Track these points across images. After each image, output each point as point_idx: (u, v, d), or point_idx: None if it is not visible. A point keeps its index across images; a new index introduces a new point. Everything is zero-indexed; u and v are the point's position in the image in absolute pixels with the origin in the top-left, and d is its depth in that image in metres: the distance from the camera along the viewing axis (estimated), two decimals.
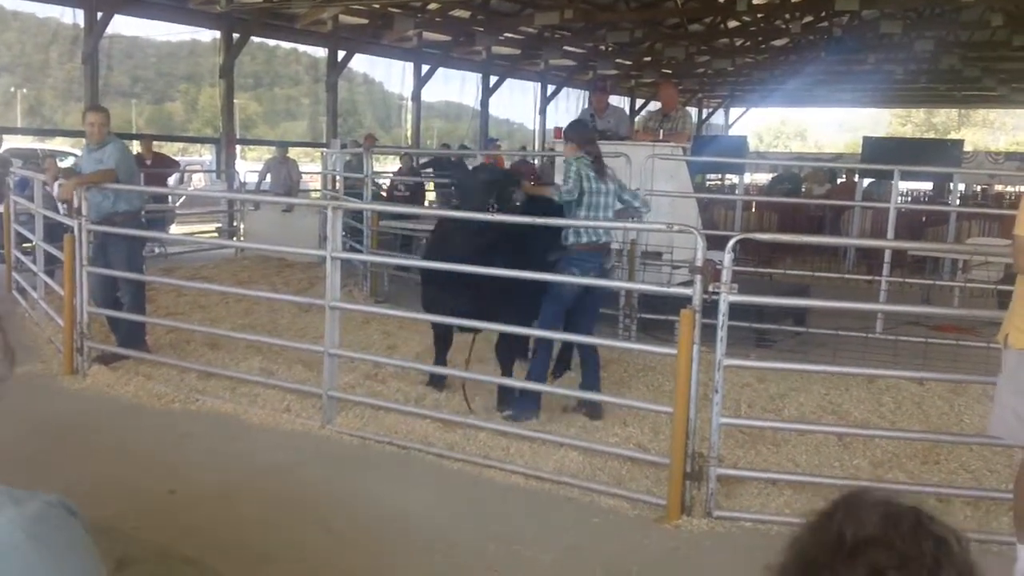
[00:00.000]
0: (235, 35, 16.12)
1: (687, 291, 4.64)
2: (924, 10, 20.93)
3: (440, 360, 6.81)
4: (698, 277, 4.59)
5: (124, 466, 5.11)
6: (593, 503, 4.85)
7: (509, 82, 24.54)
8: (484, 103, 23.87)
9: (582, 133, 6.65)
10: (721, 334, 4.60)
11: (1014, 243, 3.71)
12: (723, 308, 4.57)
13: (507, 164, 16.92)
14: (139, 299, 7.23)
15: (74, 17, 14.00)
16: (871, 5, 18.12)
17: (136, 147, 14.15)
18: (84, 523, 1.19)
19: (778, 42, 24.11)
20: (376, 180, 13.96)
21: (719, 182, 21.84)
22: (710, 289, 4.58)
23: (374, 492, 4.89)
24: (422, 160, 16.64)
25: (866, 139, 17.51)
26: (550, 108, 26.37)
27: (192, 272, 11.58)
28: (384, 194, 13.63)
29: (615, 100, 27.16)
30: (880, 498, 1.34)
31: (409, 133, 21.96)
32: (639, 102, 29.71)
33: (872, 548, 1.27)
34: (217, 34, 16.18)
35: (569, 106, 26.23)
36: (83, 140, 7.77)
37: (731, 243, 4.55)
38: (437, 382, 6.74)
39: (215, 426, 5.85)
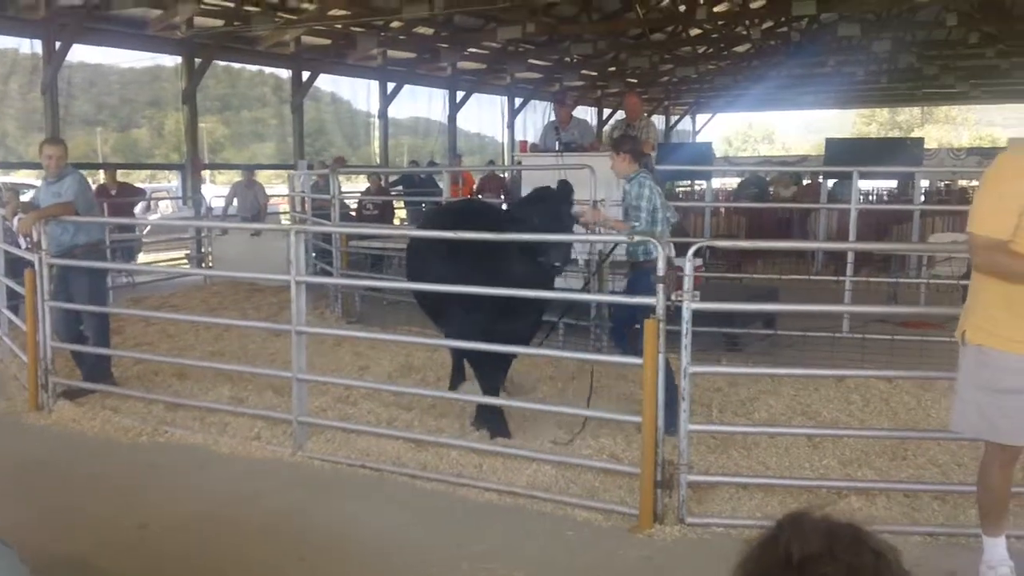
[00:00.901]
0: (197, 60, 16.08)
1: (651, 300, 4.66)
2: (881, 12, 21.20)
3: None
4: (661, 286, 4.61)
5: (93, 501, 5.07)
6: (567, 516, 4.85)
7: (476, 96, 24.62)
8: (452, 118, 23.93)
9: (636, 144, 6.60)
10: (685, 342, 4.63)
11: (968, 240, 3.75)
12: (686, 316, 4.60)
13: (476, 178, 17.02)
14: (103, 331, 7.16)
15: (32, 47, 13.93)
16: (829, 9, 18.33)
17: (101, 177, 14.09)
18: (16, 555, 1.20)
19: (740, 48, 24.35)
20: (345, 200, 13.96)
21: (689, 188, 21.98)
22: (673, 297, 4.61)
23: (347, 516, 4.87)
24: (392, 178, 16.64)
25: (829, 140, 17.70)
26: (518, 121, 26.48)
27: (161, 301, 11.50)
28: (353, 214, 13.59)
29: (582, 111, 27.49)
30: (820, 517, 1.42)
31: (377, 151, 21.95)
32: (606, 112, 29.88)
33: (819, 563, 1.34)
34: (180, 59, 16.13)
35: (536, 118, 26.34)
36: None
37: (691, 251, 4.58)
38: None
39: (184, 457, 5.80)
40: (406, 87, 22.02)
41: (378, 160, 21.59)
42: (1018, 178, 3.65)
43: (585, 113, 28.15)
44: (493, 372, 6.23)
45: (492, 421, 6.07)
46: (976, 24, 20.19)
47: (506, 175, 17.51)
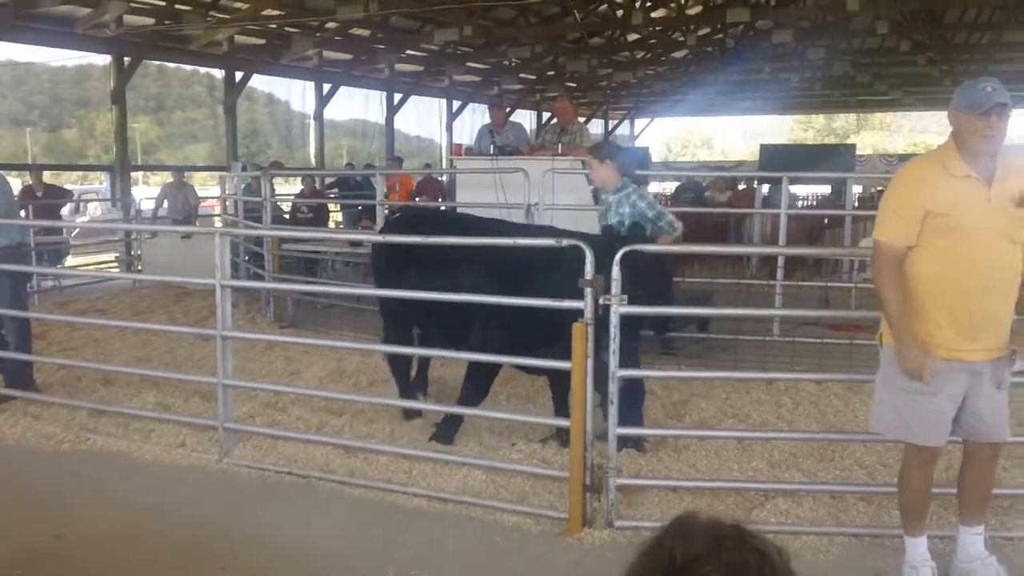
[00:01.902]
0: (127, 59, 15.74)
1: (579, 304, 4.64)
2: (816, 19, 21.60)
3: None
4: (588, 290, 4.61)
5: (9, 511, 4.92)
6: (496, 521, 4.81)
7: (415, 99, 24.52)
8: (389, 121, 23.80)
9: (626, 155, 6.39)
10: (613, 346, 4.62)
11: (873, 247, 3.81)
12: (614, 320, 4.60)
13: (414, 182, 16.91)
14: (24, 336, 6.95)
15: None
16: (763, 16, 18.61)
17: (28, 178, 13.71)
18: None
19: (677, 54, 24.63)
20: (279, 203, 13.76)
21: None
22: (600, 302, 4.61)
23: (273, 525, 4.77)
24: (328, 181, 16.45)
25: (763, 146, 17.97)
26: (457, 124, 26.43)
27: (87, 305, 11.21)
28: (287, 216, 13.40)
29: (521, 115, 27.52)
30: (705, 520, 1.42)
31: (313, 153, 21.72)
32: (545, 115, 29.99)
33: (702, 563, 1.35)
34: (109, 58, 15.76)
35: (475, 121, 26.30)
36: None
37: (618, 256, 4.58)
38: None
39: (106, 465, 5.64)
40: (344, 88, 21.83)
41: (314, 162, 21.37)
42: (918, 184, 3.75)
43: (524, 117, 28.22)
44: (488, 383, 6.15)
45: (454, 429, 6.00)
46: (907, 32, 20.67)
47: (444, 179, 17.43)
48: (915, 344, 3.71)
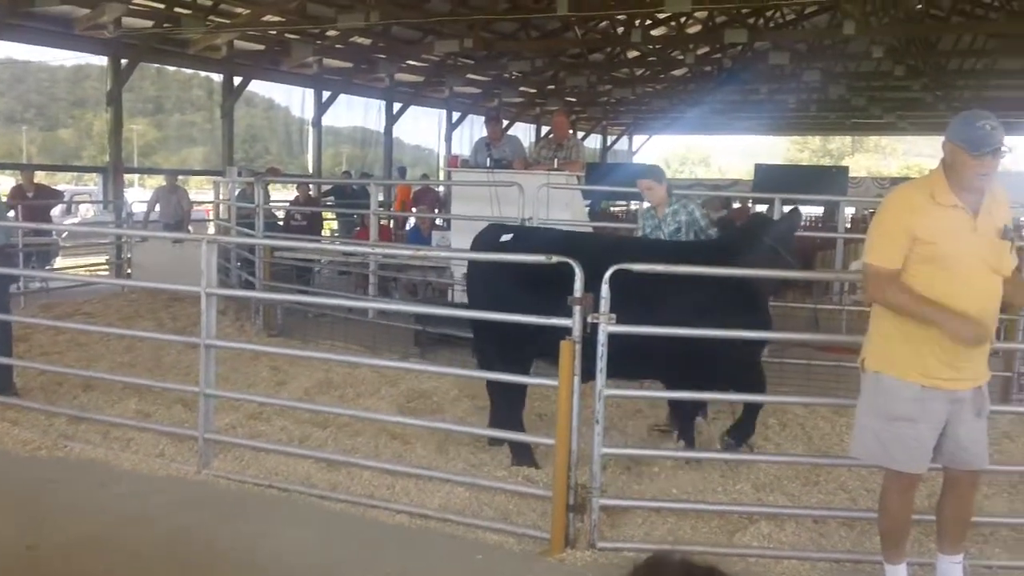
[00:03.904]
0: (123, 60, 15.69)
1: (567, 322, 4.60)
2: (812, 42, 21.69)
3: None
4: (577, 308, 4.57)
5: None
6: (478, 540, 4.75)
7: (415, 109, 24.53)
8: (388, 130, 23.78)
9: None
10: (601, 364, 4.59)
11: (864, 270, 3.81)
12: (602, 339, 4.56)
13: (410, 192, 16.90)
14: (5, 340, 6.86)
15: None
16: (761, 37, 18.68)
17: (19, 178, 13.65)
18: None
19: (676, 72, 24.69)
20: (274, 210, 13.71)
21: (625, 209, 22.12)
22: (589, 320, 4.57)
23: (250, 538, 4.69)
24: (324, 188, 16.42)
25: (758, 166, 18.00)
26: (456, 135, 26.45)
27: (74, 308, 11.12)
28: (281, 224, 13.35)
29: (521, 127, 27.57)
30: (679, 560, 1.36)
31: (311, 160, 21.69)
32: (544, 128, 30.03)
33: None
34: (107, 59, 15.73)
35: (475, 133, 26.32)
36: None
37: (608, 274, 4.54)
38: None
39: (83, 473, 5.55)
40: (344, 96, 21.82)
41: (311, 169, 21.33)
42: (906, 211, 3.74)
43: (524, 130, 28.26)
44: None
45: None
46: (902, 58, 20.77)
47: (441, 189, 17.40)
48: (955, 315, 3.64)
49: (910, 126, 32.61)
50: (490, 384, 6.13)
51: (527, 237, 6.24)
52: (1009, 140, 3.69)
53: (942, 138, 3.79)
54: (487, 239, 6.17)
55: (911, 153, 55.34)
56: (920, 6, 19.09)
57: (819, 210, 20.38)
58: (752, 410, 6.04)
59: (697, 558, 1.38)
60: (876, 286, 3.78)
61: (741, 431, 6.02)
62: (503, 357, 5.70)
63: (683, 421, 6.14)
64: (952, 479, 3.99)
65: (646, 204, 7.07)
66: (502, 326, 5.36)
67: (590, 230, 9.65)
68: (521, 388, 5.82)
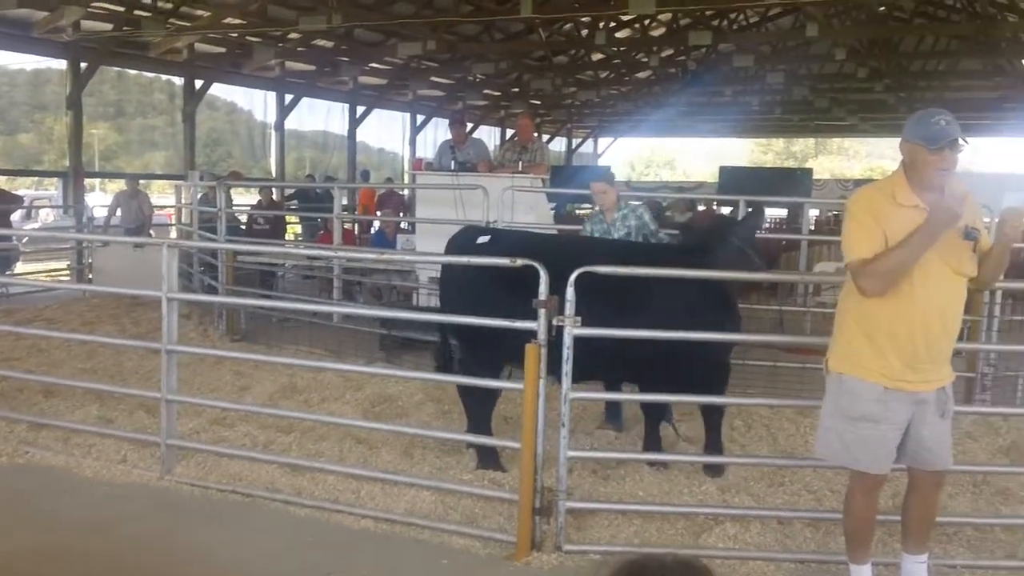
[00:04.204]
0: (83, 64, 15.49)
1: (532, 325, 4.59)
2: (776, 44, 21.90)
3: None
4: (542, 311, 4.56)
5: None
6: (444, 544, 4.73)
7: (378, 112, 24.43)
8: (352, 134, 23.67)
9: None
10: (566, 368, 4.58)
11: (848, 270, 3.81)
12: (567, 341, 4.56)
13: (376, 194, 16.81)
14: None
15: None
16: (725, 40, 18.82)
17: None
18: None
19: (641, 74, 24.79)
20: (236, 214, 13.58)
21: (589, 211, 22.11)
22: (554, 323, 4.56)
23: (214, 545, 4.64)
24: (288, 192, 16.30)
25: (722, 169, 18.13)
26: (420, 138, 26.38)
27: (35, 314, 10.96)
28: (244, 228, 13.23)
29: (485, 130, 27.55)
30: (671, 560, 1.34)
31: (274, 164, 21.53)
32: (509, 131, 30.05)
33: None
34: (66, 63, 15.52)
35: (439, 136, 26.27)
36: None
37: (573, 276, 4.54)
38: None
39: (43, 481, 5.47)
40: (306, 99, 21.69)
41: (274, 173, 21.17)
42: (872, 210, 3.74)
43: (488, 133, 28.26)
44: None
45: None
46: (864, 59, 21.03)
47: (405, 193, 17.34)
48: (927, 221, 3.60)
49: (873, 128, 32.98)
50: (460, 388, 6.09)
51: (504, 239, 6.19)
52: (970, 142, 3.72)
53: (900, 139, 3.81)
54: (462, 241, 6.14)
55: (874, 155, 55.94)
56: (882, 8, 19.35)
57: (783, 212, 20.55)
58: (715, 424, 6.03)
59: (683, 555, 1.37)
60: (867, 278, 3.69)
61: (713, 448, 6.01)
62: (477, 360, 5.69)
63: (650, 423, 6.14)
64: (916, 479, 4.01)
65: (596, 208, 7.05)
66: (476, 328, 5.33)
67: (555, 232, 9.65)
68: (493, 391, 5.79)
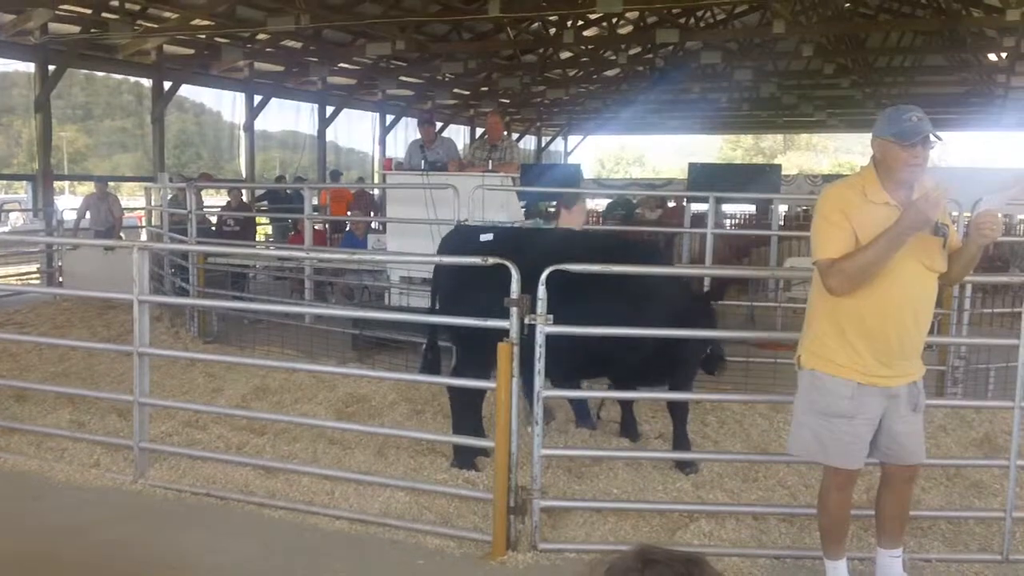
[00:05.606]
0: (51, 67, 15.34)
1: (504, 323, 4.61)
2: (743, 41, 22.05)
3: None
4: (514, 309, 4.57)
5: None
6: (419, 544, 4.74)
7: (348, 112, 24.35)
8: (321, 133, 23.58)
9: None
10: (539, 366, 4.60)
11: (817, 268, 3.81)
12: (539, 340, 4.57)
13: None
14: None
15: None
16: (692, 37, 18.92)
17: None
18: None
19: (609, 72, 24.89)
20: (206, 216, 13.49)
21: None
22: (526, 321, 4.58)
23: (188, 548, 4.63)
24: (258, 193, 16.22)
25: (691, 165, 18.17)
26: (390, 137, 26.32)
27: (5, 317, 10.85)
28: (214, 229, 13.14)
29: (455, 129, 27.53)
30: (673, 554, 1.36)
31: (244, 165, 21.40)
32: (479, 130, 30.05)
33: None
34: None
35: (408, 135, 26.21)
36: None
37: (544, 275, 4.56)
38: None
39: (14, 486, 5.43)
40: (276, 100, 21.60)
41: (244, 174, 21.05)
42: (842, 207, 3.74)
43: (458, 132, 28.24)
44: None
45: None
46: (831, 56, 21.21)
47: (376, 192, 17.30)
48: (900, 220, 3.60)
49: (840, 123, 33.29)
50: (450, 389, 6.05)
51: (507, 237, 6.15)
52: (943, 138, 3.75)
53: (871, 135, 3.82)
54: (456, 241, 6.14)
55: (842, 150, 56.38)
56: (848, 4, 19.55)
57: (752, 208, 20.69)
58: (681, 421, 6.07)
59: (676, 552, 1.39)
60: (835, 277, 3.69)
61: (679, 444, 6.04)
62: (469, 360, 5.70)
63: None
64: (889, 474, 4.03)
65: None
66: (469, 329, 5.28)
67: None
68: (482, 392, 5.79)
